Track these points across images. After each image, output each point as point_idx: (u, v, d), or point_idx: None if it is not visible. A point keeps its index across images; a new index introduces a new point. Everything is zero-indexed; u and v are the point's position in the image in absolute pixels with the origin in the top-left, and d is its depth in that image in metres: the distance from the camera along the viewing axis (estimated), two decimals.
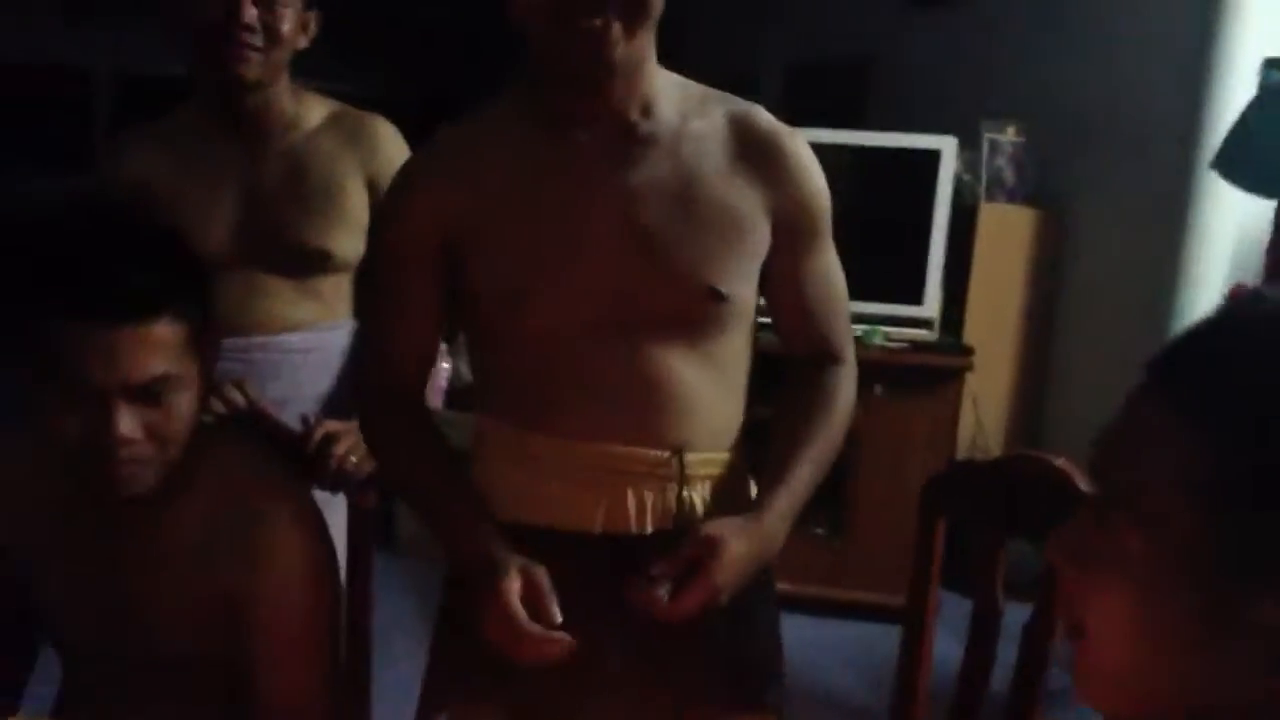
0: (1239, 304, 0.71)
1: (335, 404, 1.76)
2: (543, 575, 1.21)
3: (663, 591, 1.18)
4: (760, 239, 1.33)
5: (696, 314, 1.28)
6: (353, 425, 1.52)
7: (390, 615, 1.50)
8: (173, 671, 1.26)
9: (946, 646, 1.80)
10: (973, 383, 3.34)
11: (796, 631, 3.01)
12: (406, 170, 1.37)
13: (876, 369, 3.29)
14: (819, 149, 1.41)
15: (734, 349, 1.34)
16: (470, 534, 1.27)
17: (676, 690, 1.33)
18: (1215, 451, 0.65)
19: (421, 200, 1.32)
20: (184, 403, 1.16)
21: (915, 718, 1.84)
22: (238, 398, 1.58)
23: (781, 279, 1.36)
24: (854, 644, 3.16)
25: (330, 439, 1.52)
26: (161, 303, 1.12)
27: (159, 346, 1.12)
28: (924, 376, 3.30)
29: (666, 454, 1.29)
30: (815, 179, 1.36)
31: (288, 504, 1.28)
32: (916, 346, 3.34)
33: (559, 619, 1.19)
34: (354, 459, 1.52)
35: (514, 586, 1.19)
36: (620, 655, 1.29)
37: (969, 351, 3.34)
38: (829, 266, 1.40)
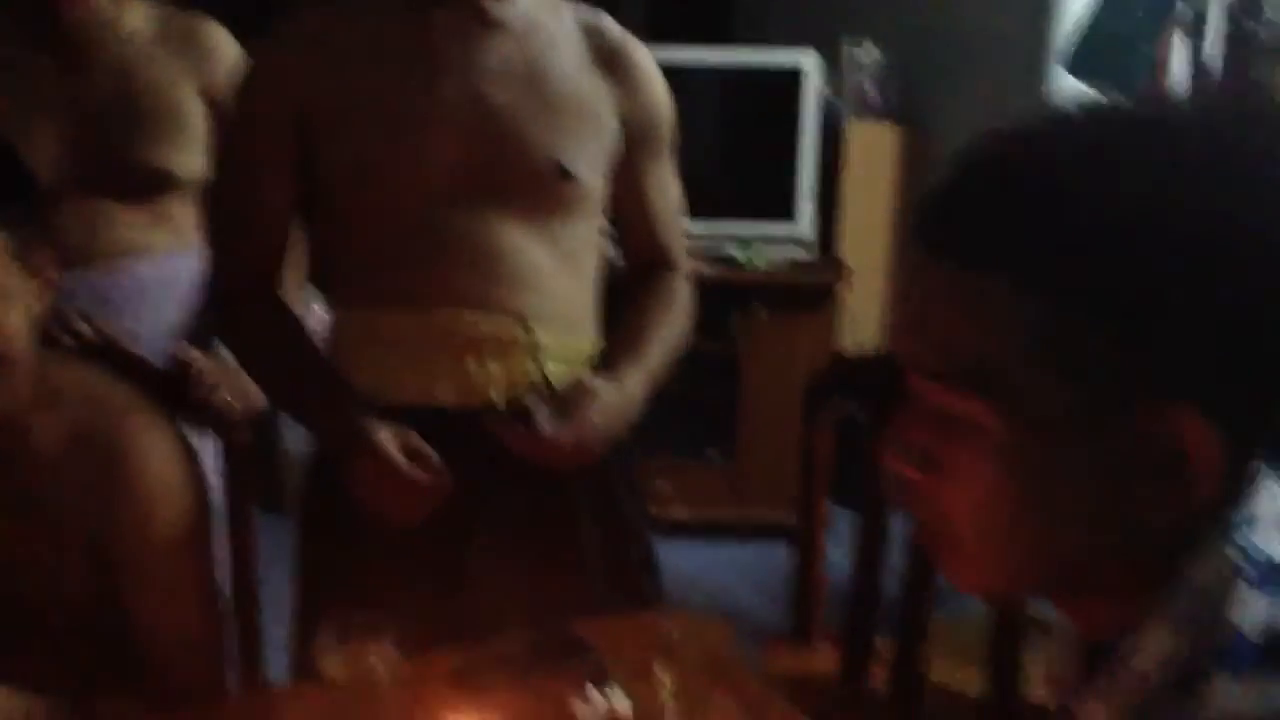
0: (990, 149, 0.65)
1: (191, 336, 1.68)
2: (413, 433, 1.26)
3: (542, 414, 1.25)
4: (609, 134, 1.38)
5: (544, 191, 1.33)
6: (226, 364, 1.49)
7: (281, 575, 1.46)
8: (36, 619, 1.21)
9: (841, 559, 1.84)
10: (849, 299, 3.39)
11: (695, 555, 3.09)
12: (263, 44, 1.38)
13: (755, 289, 3.31)
14: (682, 69, 1.47)
15: (582, 237, 1.39)
16: (337, 408, 1.30)
17: (548, 579, 1.36)
18: (1049, 294, 0.61)
19: (277, 72, 1.33)
20: (12, 317, 1.11)
21: (812, 626, 1.90)
22: (85, 329, 1.51)
23: (629, 185, 1.42)
24: (752, 563, 3.21)
25: (203, 376, 1.47)
26: None
27: None
28: (802, 294, 3.34)
29: (513, 322, 1.32)
30: (662, 90, 1.43)
31: (152, 432, 1.24)
32: (793, 265, 3.36)
33: (439, 462, 1.24)
34: (228, 397, 1.47)
35: (389, 438, 1.25)
36: (485, 535, 1.32)
37: (844, 268, 3.38)
38: (671, 176, 1.48)
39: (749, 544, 3.29)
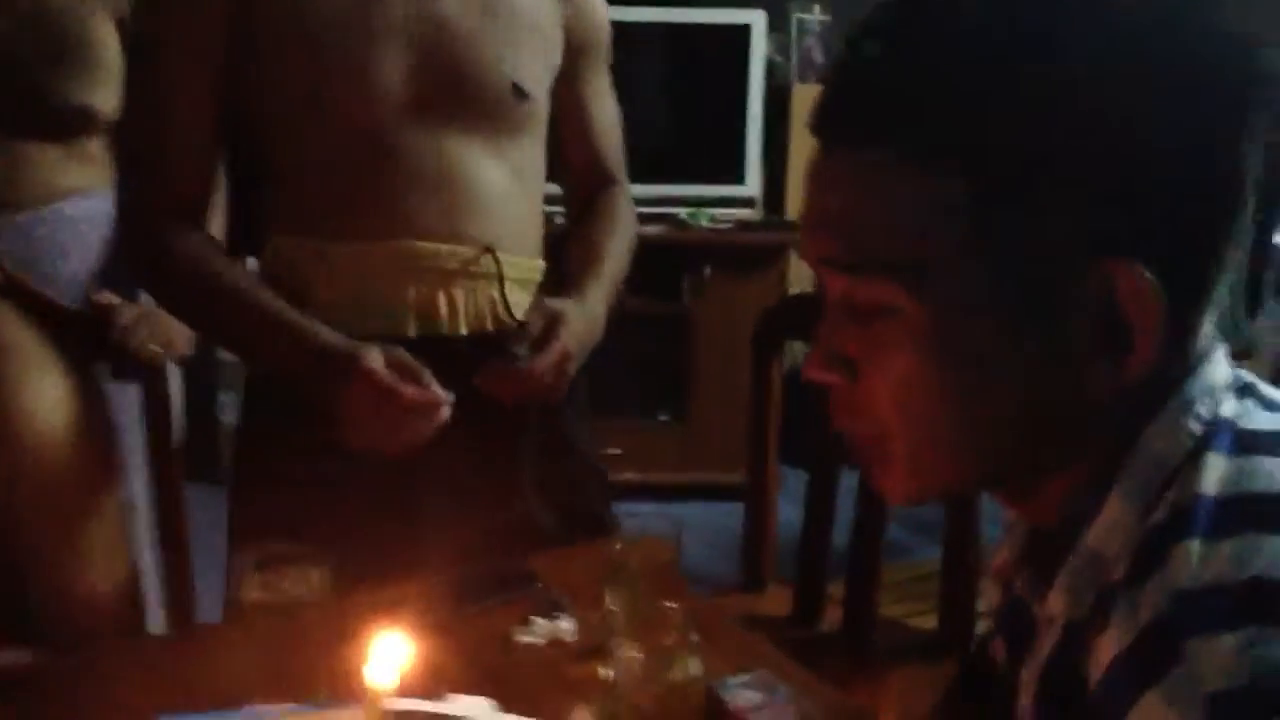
0: (871, 23, 0.61)
1: (113, 280, 1.60)
2: (400, 349, 1.20)
3: (522, 351, 1.21)
4: (555, 48, 1.36)
5: (501, 111, 1.29)
6: (150, 309, 1.42)
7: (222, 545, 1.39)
8: None
9: (793, 518, 1.82)
10: (797, 259, 3.37)
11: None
12: None
13: (704, 250, 3.29)
14: (631, 26, 1.47)
15: (532, 158, 1.36)
16: (309, 336, 1.22)
17: (502, 512, 1.33)
18: (953, 161, 0.57)
19: None
20: None
21: (764, 575, 1.88)
22: None
23: (570, 99, 1.40)
24: (704, 523, 3.18)
25: (121, 320, 1.41)
26: None
27: None
28: (751, 255, 3.32)
29: (476, 251, 1.28)
30: (602, 7, 1.43)
31: (41, 375, 1.19)
32: (741, 226, 3.34)
33: (433, 383, 1.18)
34: (153, 346, 1.41)
35: (379, 359, 1.18)
36: (438, 469, 1.26)
37: (793, 227, 3.36)
38: (609, 90, 1.46)
39: (701, 505, 3.27)
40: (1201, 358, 0.61)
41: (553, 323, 1.25)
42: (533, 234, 1.38)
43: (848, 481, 1.67)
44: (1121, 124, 0.56)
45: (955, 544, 1.63)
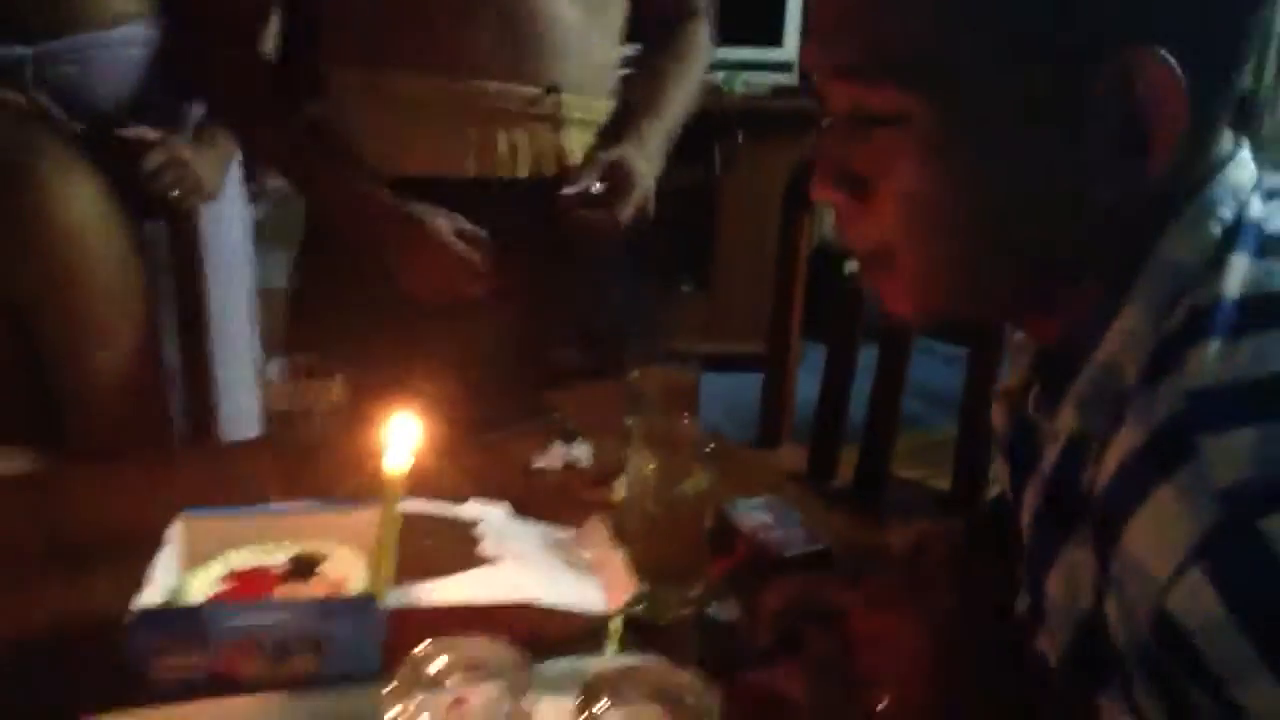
0: None
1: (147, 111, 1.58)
2: (458, 216, 1.23)
3: (596, 186, 1.24)
4: None
5: None
6: (180, 152, 1.41)
7: None
8: None
9: (811, 390, 1.82)
10: None
11: None
12: None
13: (738, 116, 3.22)
14: None
15: None
16: (368, 194, 1.23)
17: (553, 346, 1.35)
18: None
19: None
20: None
21: (781, 434, 1.90)
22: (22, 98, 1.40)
23: None
24: (723, 394, 3.20)
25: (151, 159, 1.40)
26: None
27: None
28: (786, 121, 3.24)
29: (540, 91, 1.25)
30: None
31: (69, 175, 1.21)
32: (777, 92, 3.27)
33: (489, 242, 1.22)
34: (176, 192, 1.41)
35: (444, 224, 1.20)
36: (496, 304, 1.28)
37: None
38: None
39: (721, 376, 3.28)
40: (1225, 159, 0.59)
41: (624, 177, 1.25)
42: (605, 73, 1.33)
43: (866, 360, 1.67)
44: None
45: (972, 409, 1.63)
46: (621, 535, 0.90)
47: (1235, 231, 0.57)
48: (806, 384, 1.89)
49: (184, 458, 1.25)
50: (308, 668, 0.72)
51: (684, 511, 0.87)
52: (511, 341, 1.31)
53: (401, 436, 0.75)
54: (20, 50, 1.44)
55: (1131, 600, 0.52)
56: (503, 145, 1.25)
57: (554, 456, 1.13)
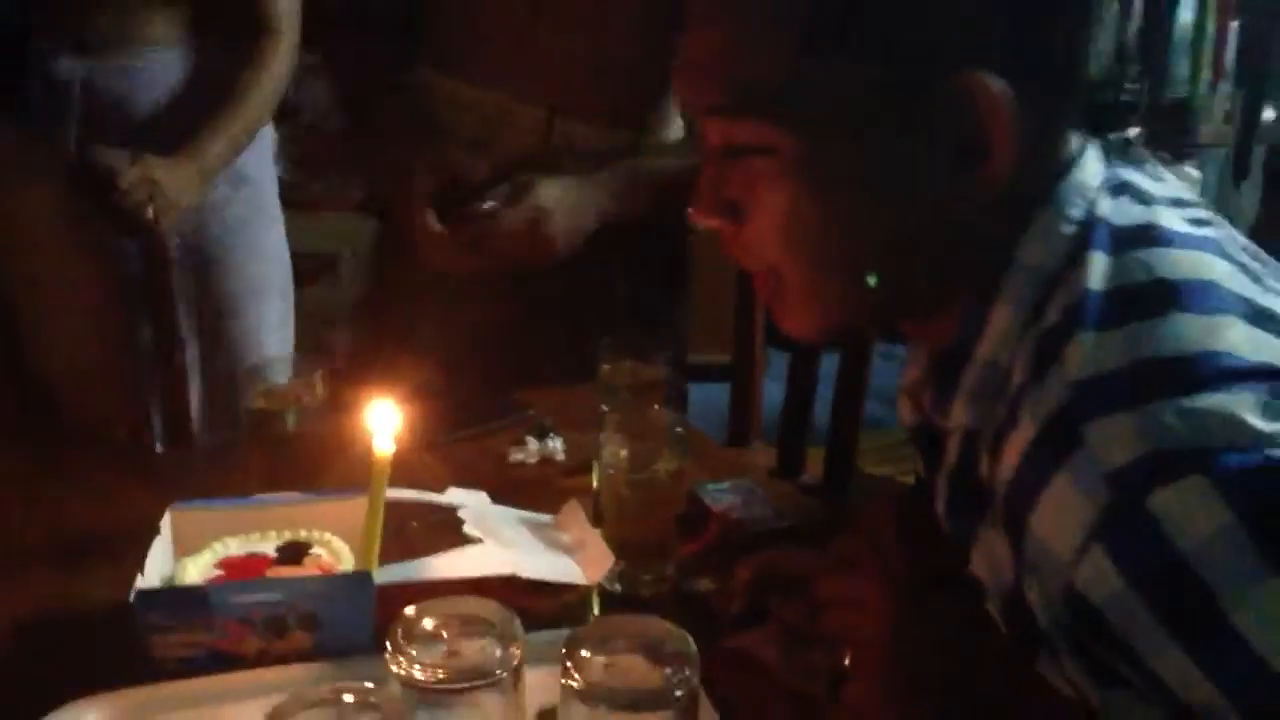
0: None
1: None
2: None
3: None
4: None
5: None
6: (154, 170, 1.45)
7: None
8: None
9: (777, 397, 1.87)
10: None
11: None
12: None
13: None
14: None
15: None
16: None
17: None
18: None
19: None
20: None
21: (749, 435, 1.94)
22: None
23: None
24: (697, 401, 3.24)
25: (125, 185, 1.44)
26: None
27: None
28: None
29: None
30: None
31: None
32: None
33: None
34: (151, 211, 1.45)
35: (422, 199, 1.33)
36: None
37: None
38: None
39: (693, 384, 3.32)
40: (1071, 161, 0.64)
41: (525, 185, 1.32)
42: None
43: (829, 366, 1.72)
44: None
45: None
46: (598, 518, 0.94)
47: (1089, 230, 0.61)
48: (774, 391, 1.94)
49: (165, 457, 1.28)
50: (304, 644, 0.76)
51: (656, 492, 0.92)
52: (509, 328, 1.38)
53: (385, 421, 0.78)
54: (71, 64, 1.60)
55: (1045, 581, 0.56)
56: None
57: (530, 451, 1.17)
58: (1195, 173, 3.12)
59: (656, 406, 0.96)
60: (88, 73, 1.61)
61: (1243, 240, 0.65)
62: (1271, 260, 0.65)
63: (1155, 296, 0.56)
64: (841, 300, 0.67)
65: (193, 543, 0.87)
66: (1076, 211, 0.62)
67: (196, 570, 0.83)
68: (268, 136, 1.75)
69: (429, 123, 1.41)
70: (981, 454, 0.64)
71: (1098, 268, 0.59)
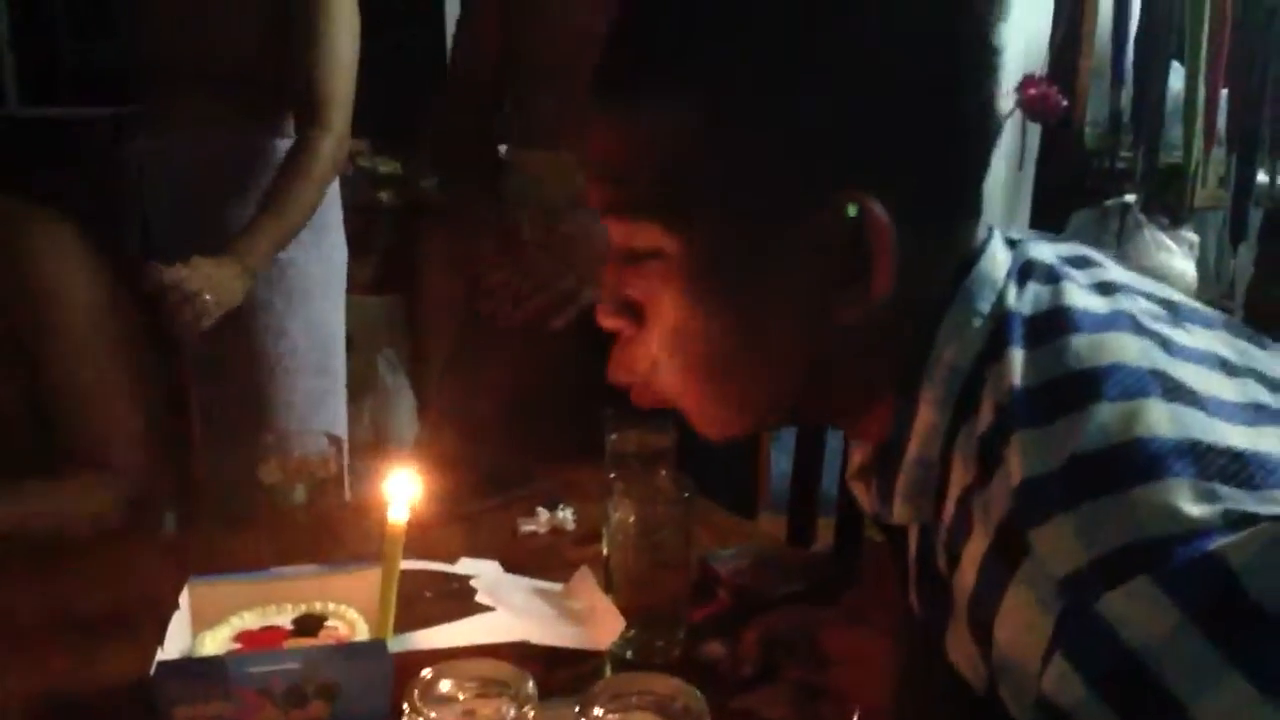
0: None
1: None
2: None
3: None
4: None
5: None
6: (199, 271, 1.51)
7: None
8: None
9: (784, 467, 1.89)
10: None
11: None
12: None
13: None
14: None
15: None
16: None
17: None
18: (699, 103, 0.61)
19: None
20: None
21: (758, 504, 1.95)
22: None
23: None
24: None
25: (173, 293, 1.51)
26: None
27: None
28: None
29: None
30: None
31: (60, 238, 1.28)
32: None
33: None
34: (189, 316, 1.50)
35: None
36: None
37: None
38: None
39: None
40: (976, 255, 0.65)
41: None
42: None
43: (837, 437, 1.73)
44: (839, 67, 0.60)
45: None
46: (608, 584, 0.95)
47: (1003, 323, 0.62)
48: (781, 462, 1.95)
49: (180, 530, 1.30)
50: (322, 714, 0.76)
51: (665, 558, 0.93)
52: (524, 400, 1.44)
53: (401, 492, 0.80)
54: (142, 143, 1.85)
55: (1015, 686, 0.56)
56: None
57: (540, 521, 1.18)
58: (1193, 235, 3.17)
59: (664, 474, 0.98)
60: (154, 150, 1.82)
61: (1149, 288, 0.66)
62: (1183, 301, 0.66)
63: (1075, 388, 0.56)
64: (748, 403, 0.68)
65: (211, 616, 0.88)
66: (985, 305, 0.63)
67: (214, 644, 0.84)
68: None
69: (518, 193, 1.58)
70: (938, 550, 0.64)
71: (1017, 364, 0.59)
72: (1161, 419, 0.53)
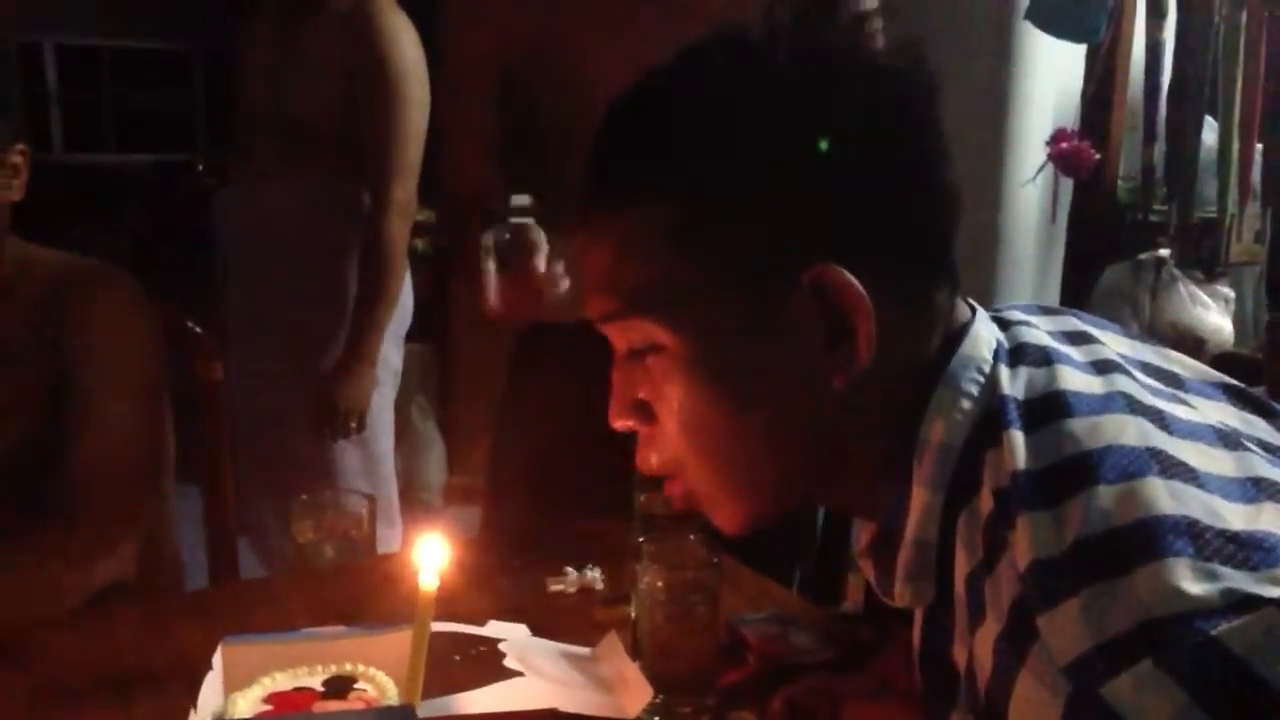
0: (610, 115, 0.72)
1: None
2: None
3: None
4: None
5: None
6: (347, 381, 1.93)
7: None
8: None
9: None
10: None
11: None
12: None
13: None
14: None
15: None
16: None
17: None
18: (674, 202, 0.66)
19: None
20: None
21: None
22: None
23: None
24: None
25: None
26: None
27: None
28: None
29: None
30: None
31: (115, 286, 1.32)
32: None
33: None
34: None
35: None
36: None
37: None
38: None
39: None
40: (960, 334, 0.67)
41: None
42: None
43: None
44: (799, 157, 0.65)
45: None
46: (636, 649, 0.95)
47: (998, 406, 0.63)
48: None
49: (216, 593, 1.31)
50: None
51: (694, 623, 0.93)
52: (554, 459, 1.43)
53: (431, 557, 0.81)
54: (224, 194, 2.12)
55: None
56: None
57: (569, 581, 1.18)
58: (1229, 290, 3.15)
59: (693, 537, 0.98)
60: (236, 202, 2.07)
61: (1151, 358, 0.67)
62: (1185, 372, 0.67)
63: (1074, 471, 0.57)
64: (750, 494, 0.70)
65: (242, 677, 0.89)
66: (972, 386, 0.65)
67: (246, 705, 0.85)
68: None
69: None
70: (950, 638, 0.64)
71: (1018, 448, 0.60)
72: (1160, 496, 0.54)
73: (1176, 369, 0.68)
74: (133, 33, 8.35)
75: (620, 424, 0.73)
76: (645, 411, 0.71)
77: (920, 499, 0.65)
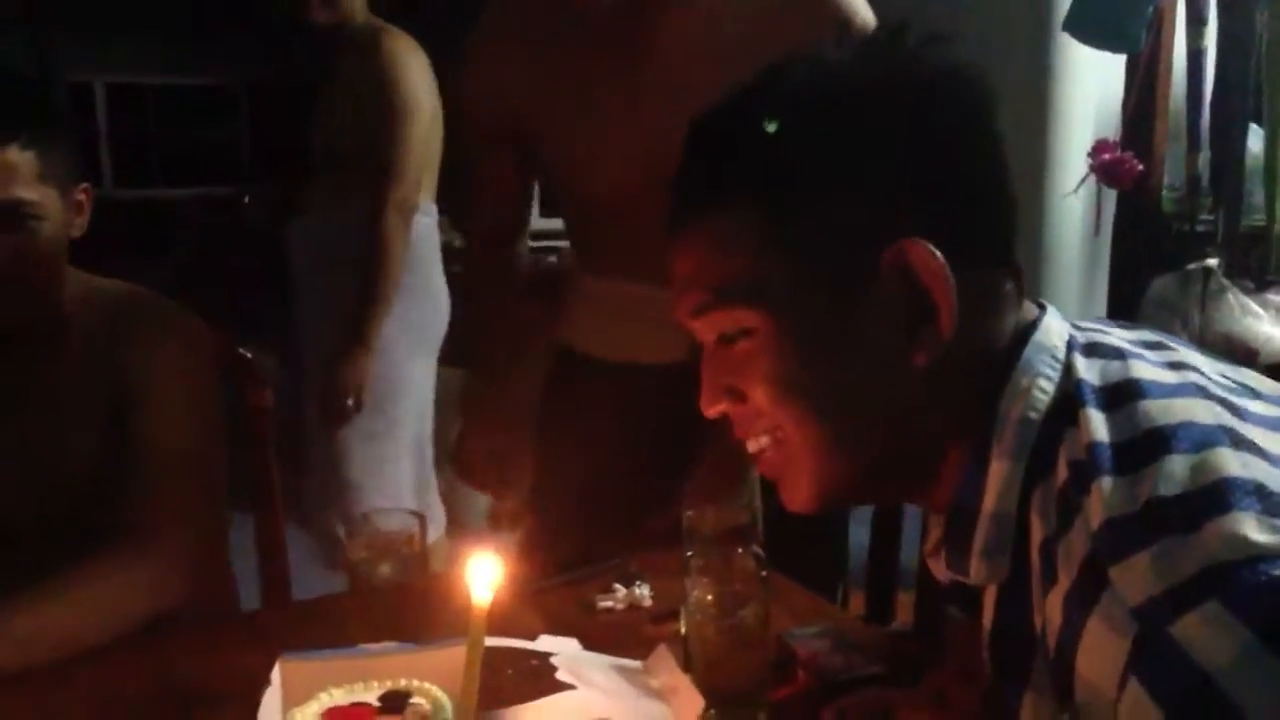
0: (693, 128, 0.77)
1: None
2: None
3: None
4: None
5: None
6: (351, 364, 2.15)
7: None
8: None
9: (862, 539, 1.88)
10: None
11: None
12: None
13: None
14: None
15: None
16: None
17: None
18: (764, 197, 0.71)
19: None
20: (43, 230, 1.21)
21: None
22: None
23: None
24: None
25: None
26: (10, 128, 1.16)
27: (11, 171, 1.17)
28: None
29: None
30: None
31: (175, 315, 1.35)
32: None
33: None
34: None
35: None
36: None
37: None
38: None
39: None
40: (1031, 326, 0.71)
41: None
42: None
43: (915, 509, 1.72)
44: (876, 146, 0.70)
45: None
46: (687, 663, 0.96)
47: (1075, 390, 0.66)
48: (858, 535, 1.94)
49: (270, 613, 1.33)
50: None
51: (744, 637, 0.93)
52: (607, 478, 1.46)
53: (484, 574, 0.82)
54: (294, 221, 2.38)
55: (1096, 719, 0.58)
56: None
57: (618, 598, 1.19)
58: (1279, 298, 3.10)
59: (741, 551, 0.98)
60: (305, 232, 2.31)
61: (1224, 369, 0.70)
62: (1258, 383, 0.69)
63: (1149, 445, 0.60)
64: (839, 457, 0.73)
65: (300, 693, 0.90)
66: (1048, 370, 0.69)
67: None
68: None
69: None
70: (1027, 610, 0.66)
71: (1097, 423, 0.63)
72: (1231, 462, 0.58)
73: (1250, 381, 0.70)
74: (179, 70, 8.55)
75: (713, 410, 0.77)
76: (736, 394, 0.75)
77: (999, 471, 0.68)
